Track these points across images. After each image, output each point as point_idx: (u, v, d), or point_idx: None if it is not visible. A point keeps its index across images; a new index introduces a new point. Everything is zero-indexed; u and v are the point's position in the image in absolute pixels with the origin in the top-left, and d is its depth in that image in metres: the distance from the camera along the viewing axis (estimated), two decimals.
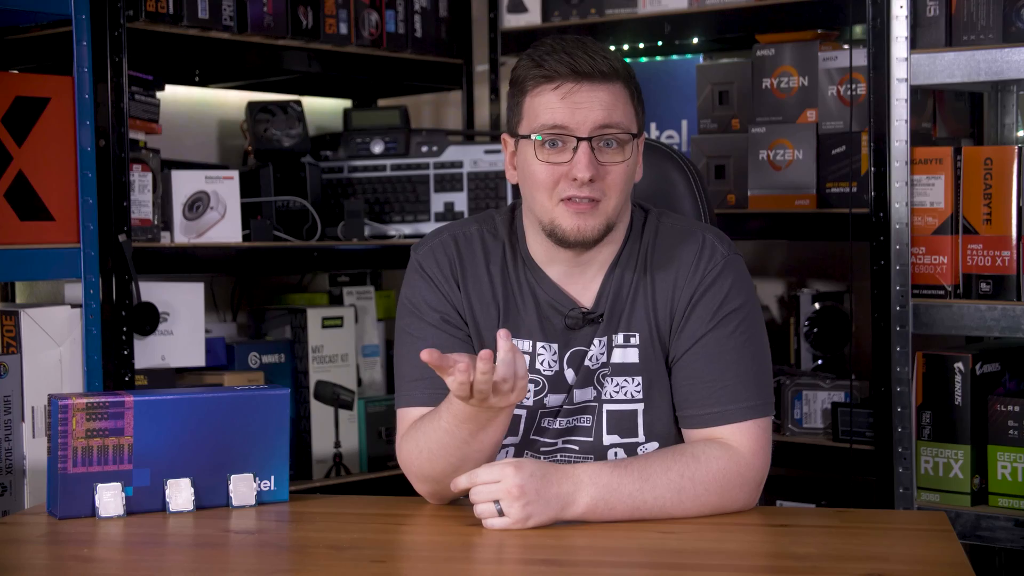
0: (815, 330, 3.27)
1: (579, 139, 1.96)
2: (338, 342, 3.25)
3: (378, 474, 3.26)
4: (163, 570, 1.80)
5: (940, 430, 2.80)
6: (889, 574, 1.68)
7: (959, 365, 2.76)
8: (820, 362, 3.27)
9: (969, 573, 1.67)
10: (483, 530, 1.86)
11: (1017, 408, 2.73)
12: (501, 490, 1.84)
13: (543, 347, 2.05)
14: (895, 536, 1.87)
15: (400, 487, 2.14)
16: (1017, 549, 2.71)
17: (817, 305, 3.28)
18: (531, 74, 1.99)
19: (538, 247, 2.07)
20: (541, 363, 2.05)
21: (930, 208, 2.80)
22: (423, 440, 1.98)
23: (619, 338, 2.05)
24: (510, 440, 2.07)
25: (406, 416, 2.05)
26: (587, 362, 2.05)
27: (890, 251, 2.82)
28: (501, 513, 1.85)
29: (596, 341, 2.05)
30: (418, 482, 2.04)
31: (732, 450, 1.96)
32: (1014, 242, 2.71)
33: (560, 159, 1.97)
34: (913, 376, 2.81)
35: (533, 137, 1.98)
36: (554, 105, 1.96)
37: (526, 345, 2.05)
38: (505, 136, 2.08)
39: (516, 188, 2.10)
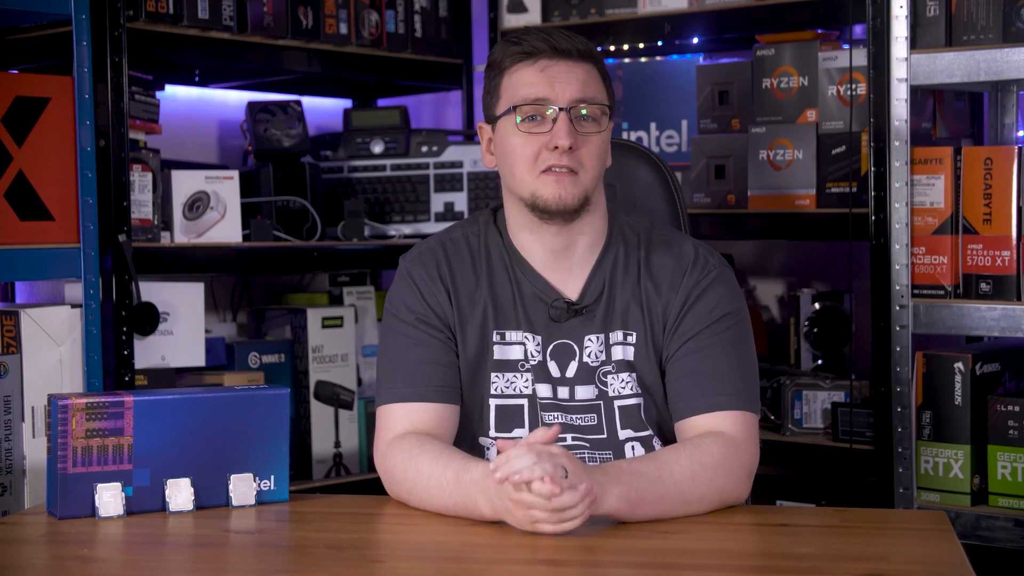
0: (815, 330, 3.27)
1: (560, 109, 2.00)
2: (338, 342, 3.25)
3: (378, 474, 3.25)
4: (163, 570, 1.80)
5: (940, 430, 2.80)
6: (889, 574, 1.68)
7: (959, 365, 2.76)
8: (820, 362, 3.27)
9: (969, 573, 1.67)
10: (482, 530, 1.86)
11: (1017, 408, 2.73)
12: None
13: (526, 337, 2.08)
14: (895, 536, 1.87)
15: None
16: (1017, 549, 2.71)
17: (817, 305, 3.28)
18: (510, 51, 2.04)
19: (522, 232, 2.09)
20: (527, 353, 2.08)
21: (930, 208, 2.80)
22: (418, 481, 1.98)
23: (618, 335, 2.07)
24: (518, 432, 2.07)
25: (387, 414, 2.08)
26: (586, 359, 2.07)
27: (890, 251, 2.82)
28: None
29: (593, 338, 2.07)
30: (390, 489, 2.05)
31: (727, 437, 1.98)
32: (1014, 242, 2.71)
33: (540, 130, 2.01)
34: (913, 376, 2.81)
35: (515, 110, 2.01)
36: (534, 79, 2.02)
37: (518, 336, 2.08)
38: (481, 124, 2.12)
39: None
